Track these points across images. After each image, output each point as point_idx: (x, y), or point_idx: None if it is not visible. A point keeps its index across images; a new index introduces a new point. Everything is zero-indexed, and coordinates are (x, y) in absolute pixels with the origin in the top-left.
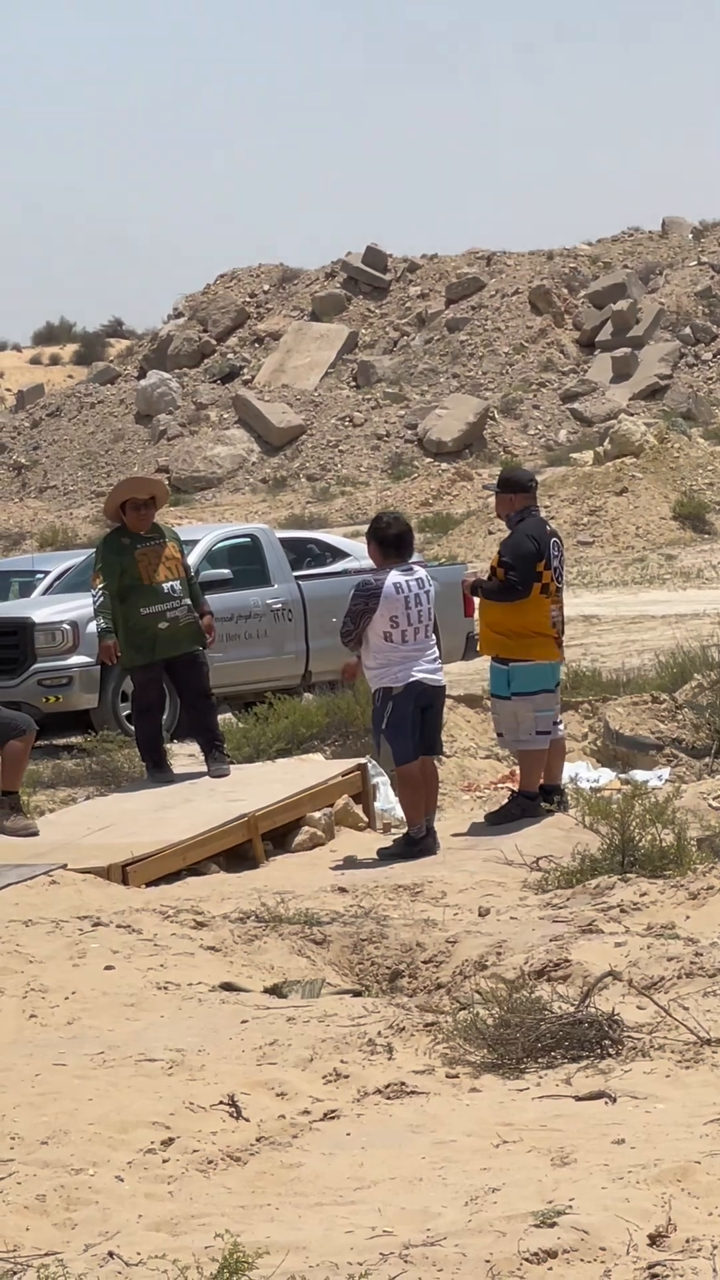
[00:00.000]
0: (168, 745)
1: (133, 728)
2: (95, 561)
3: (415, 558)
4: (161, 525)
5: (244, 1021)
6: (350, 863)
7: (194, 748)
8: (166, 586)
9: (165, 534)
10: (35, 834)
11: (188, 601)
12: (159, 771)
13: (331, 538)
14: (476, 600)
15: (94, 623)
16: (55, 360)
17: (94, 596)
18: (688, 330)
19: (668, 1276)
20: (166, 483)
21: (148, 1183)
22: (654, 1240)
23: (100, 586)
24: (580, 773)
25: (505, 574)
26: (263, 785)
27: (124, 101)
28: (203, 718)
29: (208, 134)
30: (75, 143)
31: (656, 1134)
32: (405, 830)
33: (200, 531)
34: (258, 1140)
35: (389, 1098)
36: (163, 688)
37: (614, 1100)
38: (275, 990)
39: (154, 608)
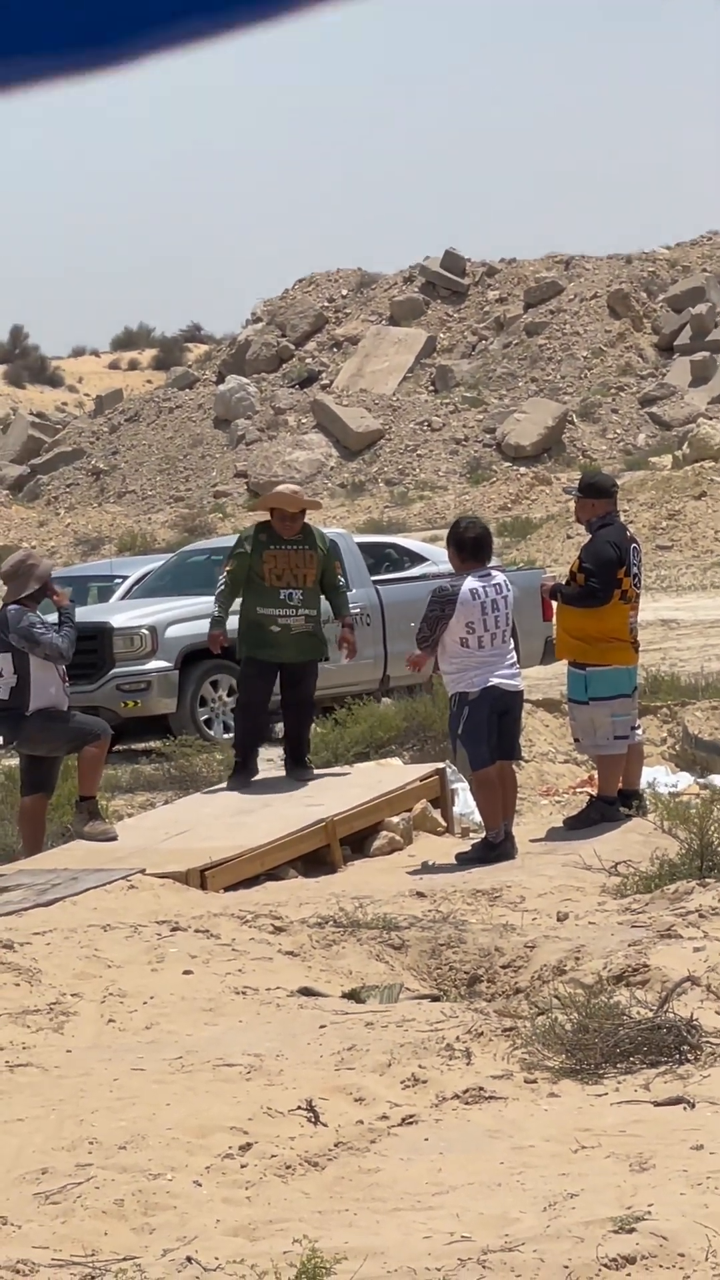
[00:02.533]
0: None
1: (210, 732)
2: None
3: (494, 562)
4: (315, 531)
5: (322, 1026)
6: (428, 868)
7: (274, 753)
8: (284, 593)
9: (314, 542)
10: (114, 839)
11: (309, 612)
12: (240, 773)
13: (409, 542)
14: (555, 605)
15: (172, 627)
16: (134, 365)
17: (219, 582)
18: None
19: None
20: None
21: (225, 1188)
22: None
23: (225, 575)
24: (659, 777)
25: (586, 580)
26: (341, 790)
27: (206, 106)
28: (296, 725)
29: (287, 138)
30: (154, 147)
31: None
32: (483, 835)
33: None
34: (335, 1145)
35: (467, 1103)
36: (267, 689)
37: (693, 1106)
38: (353, 995)
39: (268, 610)
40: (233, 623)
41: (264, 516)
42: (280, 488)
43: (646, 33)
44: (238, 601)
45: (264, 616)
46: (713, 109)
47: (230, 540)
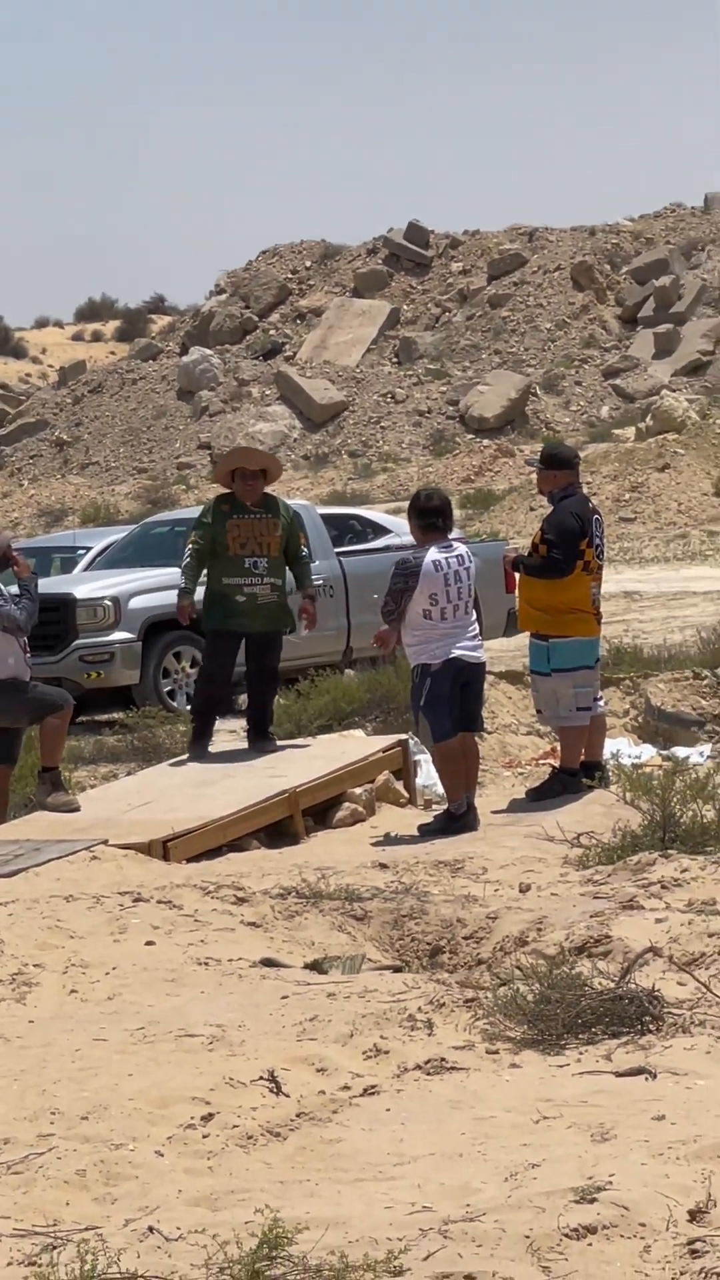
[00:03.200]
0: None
1: (173, 703)
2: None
3: (456, 534)
4: (279, 501)
5: (284, 997)
6: (391, 839)
7: (237, 724)
8: (249, 561)
9: (277, 510)
10: (76, 810)
11: (275, 580)
12: (197, 742)
13: (373, 514)
14: (517, 576)
15: (135, 599)
16: (97, 337)
17: (185, 554)
18: None
19: (708, 1252)
20: (271, 456)
21: (187, 1158)
22: (694, 1216)
23: (190, 547)
24: (621, 749)
25: (549, 551)
26: (304, 761)
27: (168, 78)
28: (260, 697)
29: (250, 110)
30: (115, 119)
31: (697, 1110)
32: (445, 807)
33: None
34: (298, 1116)
35: (429, 1073)
36: (230, 660)
37: (654, 1076)
38: (316, 966)
39: (233, 579)
40: (198, 594)
41: (226, 490)
42: (238, 443)
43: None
44: (205, 576)
45: (229, 586)
46: (675, 82)
47: (194, 512)
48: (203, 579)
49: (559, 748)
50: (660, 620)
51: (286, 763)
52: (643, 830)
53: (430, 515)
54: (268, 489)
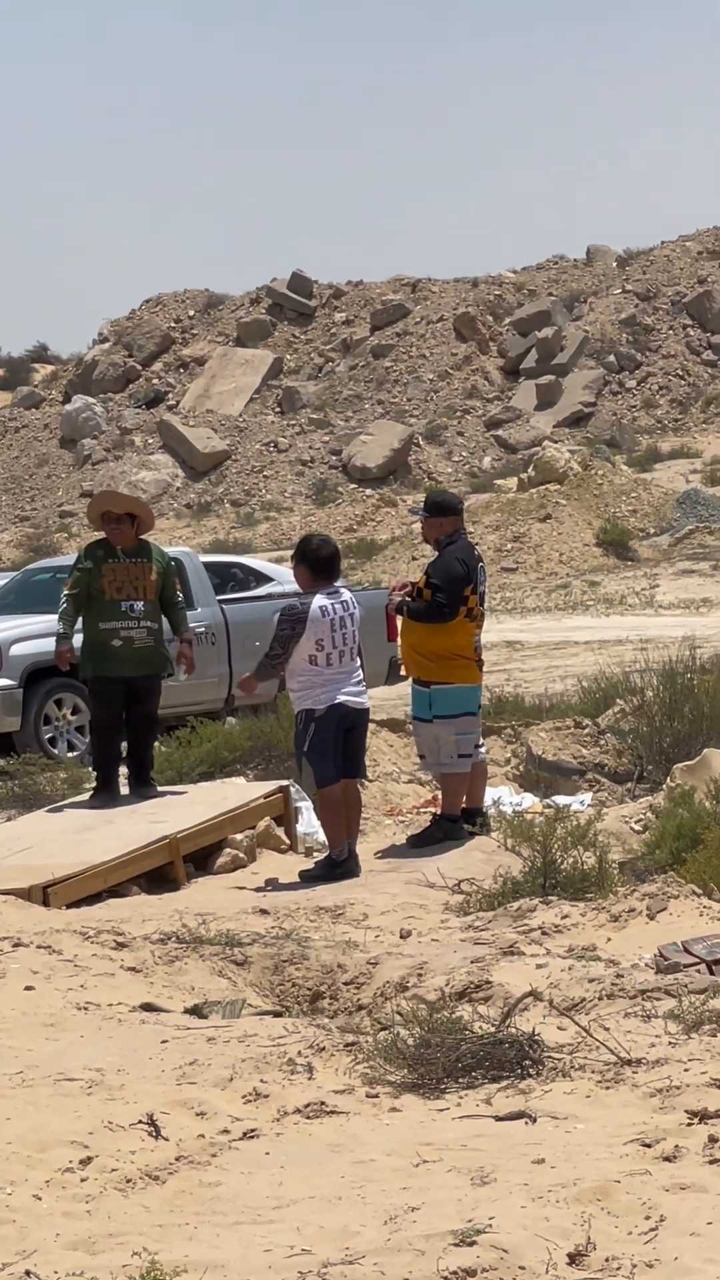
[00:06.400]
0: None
1: (54, 750)
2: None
3: (340, 581)
4: (153, 547)
5: (164, 1042)
6: (272, 885)
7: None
8: (125, 605)
9: (151, 555)
10: None
11: (150, 624)
12: (104, 792)
13: (255, 562)
14: (399, 622)
15: (16, 645)
16: None
17: (62, 601)
18: (611, 358)
19: None
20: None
21: (66, 1201)
22: (573, 1259)
23: (66, 593)
24: (504, 797)
25: (433, 595)
26: (184, 807)
27: (49, 125)
28: (140, 742)
29: (133, 158)
30: None
31: (576, 1154)
32: (327, 853)
33: None
34: (177, 1159)
35: (309, 1117)
36: (118, 707)
37: (534, 1120)
38: (196, 1011)
39: (110, 624)
40: (78, 641)
41: (103, 535)
42: (101, 492)
43: (492, 60)
44: (82, 621)
45: (106, 632)
46: (557, 134)
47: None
48: (81, 626)
49: (440, 795)
50: (542, 669)
51: (167, 808)
52: (524, 876)
53: (322, 563)
54: (145, 536)
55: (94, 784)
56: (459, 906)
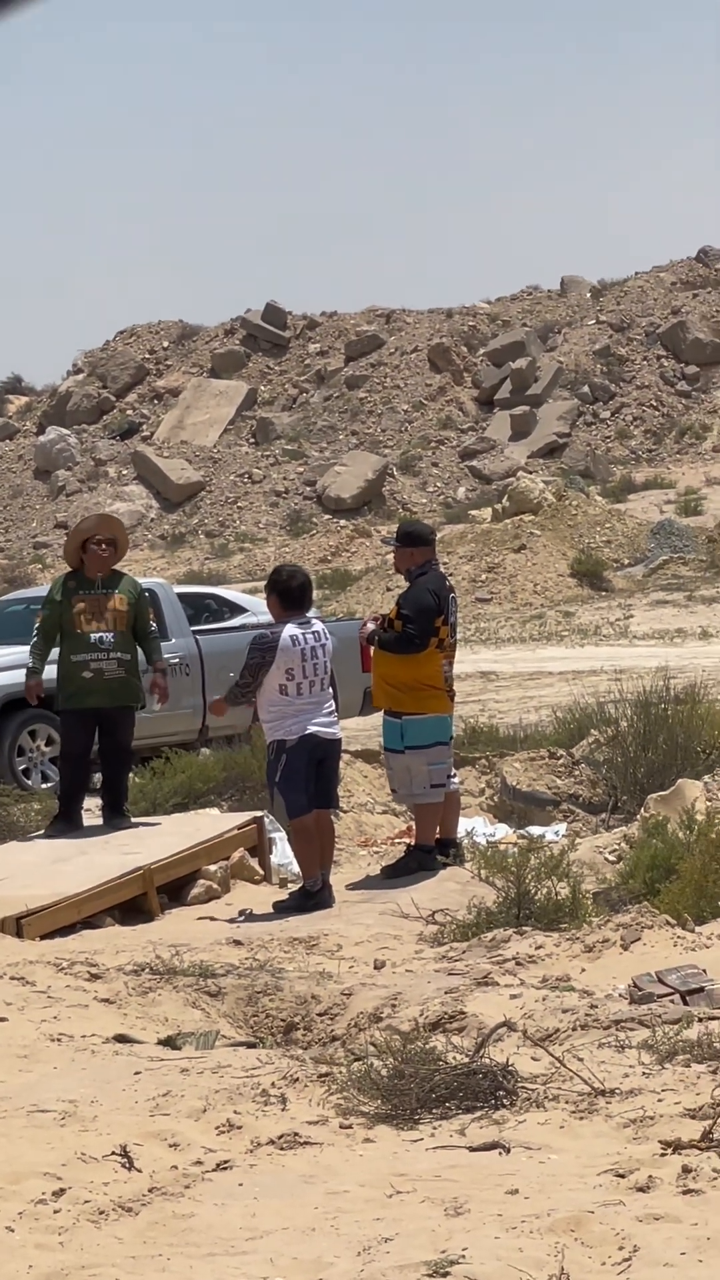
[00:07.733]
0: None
1: (28, 781)
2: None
3: (313, 612)
4: (126, 577)
5: (137, 1073)
6: (246, 916)
7: (92, 802)
8: (95, 637)
9: (121, 586)
10: None
11: (121, 656)
12: (63, 823)
13: (229, 593)
14: (373, 651)
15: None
16: None
17: (34, 633)
18: (586, 389)
19: None
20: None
21: (38, 1233)
22: None
23: (38, 625)
24: (477, 827)
25: (404, 626)
26: (158, 839)
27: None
28: (113, 773)
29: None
30: None
31: (550, 1184)
32: (301, 884)
33: None
34: (150, 1191)
35: (282, 1148)
36: (88, 739)
37: (508, 1151)
38: (169, 1042)
39: (80, 656)
40: (51, 672)
41: (75, 568)
42: (86, 518)
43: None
44: (55, 652)
45: (77, 664)
46: (530, 165)
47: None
48: (53, 657)
49: (414, 825)
50: (516, 700)
51: (141, 840)
52: (498, 907)
53: (293, 593)
54: (117, 565)
55: (55, 813)
56: (433, 937)
